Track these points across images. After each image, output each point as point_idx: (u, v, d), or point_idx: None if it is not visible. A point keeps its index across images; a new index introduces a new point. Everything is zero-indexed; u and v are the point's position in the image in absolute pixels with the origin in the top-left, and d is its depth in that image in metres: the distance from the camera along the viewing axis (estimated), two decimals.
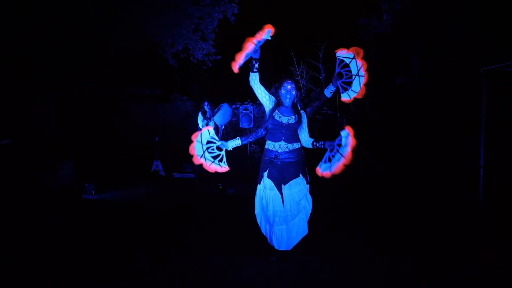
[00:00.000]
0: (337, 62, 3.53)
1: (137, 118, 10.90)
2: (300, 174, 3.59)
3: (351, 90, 3.52)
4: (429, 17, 8.25)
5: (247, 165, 9.07)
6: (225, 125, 7.23)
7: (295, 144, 3.61)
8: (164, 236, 4.31)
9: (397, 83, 9.17)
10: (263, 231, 3.68)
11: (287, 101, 3.60)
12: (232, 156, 8.76)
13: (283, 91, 3.61)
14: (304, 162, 3.67)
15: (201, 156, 3.59)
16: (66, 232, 4.51)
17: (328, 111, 10.05)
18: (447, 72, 7.52)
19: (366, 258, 3.60)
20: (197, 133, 3.60)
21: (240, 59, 3.37)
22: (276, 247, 3.54)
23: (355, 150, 3.31)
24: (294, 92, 3.61)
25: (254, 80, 3.56)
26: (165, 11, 8.27)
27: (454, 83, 7.20)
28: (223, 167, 3.68)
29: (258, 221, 3.69)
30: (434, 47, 8.26)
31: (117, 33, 8.05)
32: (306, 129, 3.68)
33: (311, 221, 3.70)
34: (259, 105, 10.55)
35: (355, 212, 5.37)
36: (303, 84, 10.87)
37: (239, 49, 3.37)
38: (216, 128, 7.03)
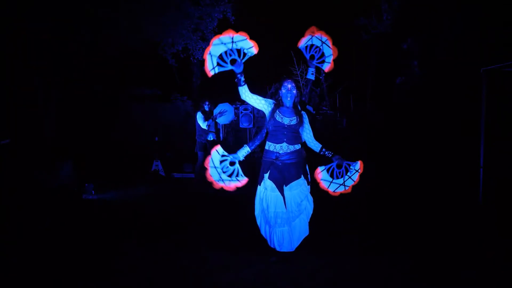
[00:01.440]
0: (303, 50, 3.88)
1: (137, 118, 10.89)
2: (302, 175, 3.59)
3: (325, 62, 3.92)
4: (429, 17, 8.26)
5: (247, 165, 9.05)
6: (226, 125, 7.23)
7: (296, 146, 3.60)
8: (164, 236, 4.31)
9: (397, 83, 9.18)
10: (263, 233, 3.67)
11: (288, 101, 3.59)
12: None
13: (283, 91, 3.60)
14: (305, 163, 3.67)
15: (219, 180, 3.56)
16: (66, 232, 4.51)
17: (328, 111, 10.05)
18: (447, 72, 7.52)
19: (366, 258, 3.60)
20: (208, 159, 3.54)
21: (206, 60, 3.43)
22: (278, 248, 3.53)
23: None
24: (294, 91, 3.60)
25: (245, 93, 3.56)
26: (165, 11, 8.27)
27: (454, 83, 7.20)
28: (242, 180, 3.62)
29: (258, 222, 3.68)
30: (434, 47, 8.27)
31: (117, 33, 8.05)
32: (310, 129, 3.67)
33: (312, 222, 3.70)
34: None
35: (355, 212, 5.37)
36: (303, 84, 10.86)
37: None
38: (217, 129, 7.04)
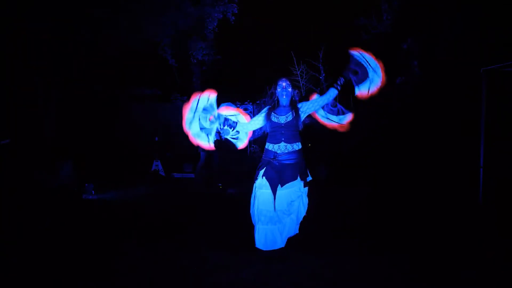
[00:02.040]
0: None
1: (137, 118, 10.90)
2: (298, 177, 3.57)
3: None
4: (429, 17, 8.26)
5: (247, 165, 9.06)
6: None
7: (295, 145, 3.59)
8: (164, 236, 4.31)
9: (397, 83, 9.17)
10: None
11: (283, 99, 3.62)
12: (232, 156, 8.72)
13: (278, 89, 3.65)
14: (304, 164, 3.65)
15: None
16: (66, 232, 4.50)
17: None
18: (447, 72, 7.52)
19: (366, 258, 3.60)
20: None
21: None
22: (256, 244, 3.55)
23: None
24: (290, 89, 3.62)
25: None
26: (165, 11, 8.29)
27: (454, 83, 7.20)
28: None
29: (253, 220, 3.69)
30: (434, 47, 8.27)
31: (117, 33, 8.06)
32: (316, 100, 3.62)
33: (312, 222, 3.70)
34: (259, 105, 10.56)
35: (355, 212, 5.37)
36: (303, 84, 10.87)
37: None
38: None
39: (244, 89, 11.07)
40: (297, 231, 3.67)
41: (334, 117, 3.71)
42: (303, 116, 3.61)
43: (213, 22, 9.31)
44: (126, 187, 7.31)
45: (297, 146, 3.61)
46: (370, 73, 3.46)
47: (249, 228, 4.02)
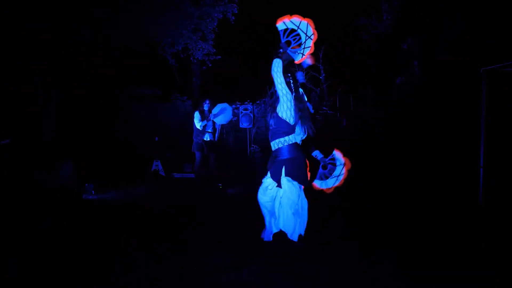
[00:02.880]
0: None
1: (137, 118, 10.90)
2: (277, 176, 3.63)
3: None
4: (429, 17, 8.27)
5: (247, 165, 9.06)
6: (224, 125, 7.20)
7: (278, 141, 3.67)
8: (164, 236, 4.31)
9: (397, 83, 9.18)
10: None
11: None
12: (232, 156, 8.68)
13: None
14: (291, 162, 3.63)
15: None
16: (66, 232, 4.51)
17: (328, 111, 10.05)
18: (447, 72, 7.53)
19: (366, 258, 3.59)
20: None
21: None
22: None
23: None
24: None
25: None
26: (165, 11, 8.28)
27: (454, 83, 7.20)
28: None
29: None
30: (434, 47, 8.27)
31: (117, 33, 8.06)
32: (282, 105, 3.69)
33: (311, 221, 3.70)
34: (259, 105, 10.56)
35: (355, 212, 5.37)
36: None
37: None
38: (214, 129, 7.03)
39: (244, 89, 11.07)
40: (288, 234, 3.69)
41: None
42: (279, 109, 3.65)
43: (213, 22, 9.30)
44: (126, 187, 7.31)
45: (278, 142, 3.68)
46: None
47: (249, 228, 4.03)
